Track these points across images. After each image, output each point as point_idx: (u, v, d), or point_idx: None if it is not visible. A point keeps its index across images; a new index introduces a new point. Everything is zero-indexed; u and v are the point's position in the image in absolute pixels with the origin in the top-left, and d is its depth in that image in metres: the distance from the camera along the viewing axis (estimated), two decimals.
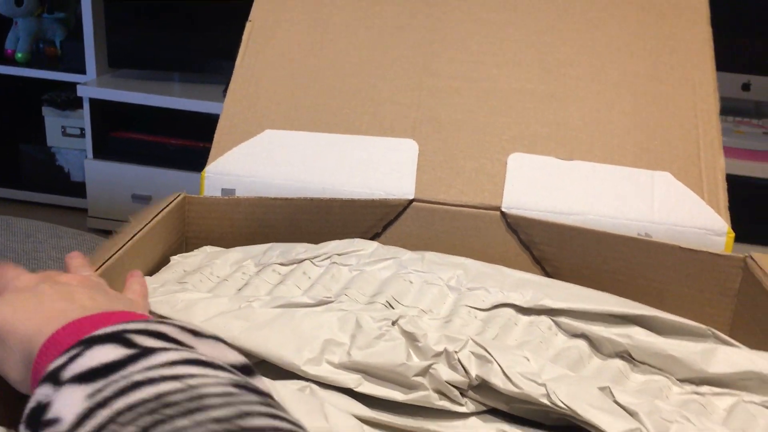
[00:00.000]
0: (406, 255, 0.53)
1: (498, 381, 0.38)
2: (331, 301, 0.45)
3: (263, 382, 0.29)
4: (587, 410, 0.36)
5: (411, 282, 0.49)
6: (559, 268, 0.60)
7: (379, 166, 0.61)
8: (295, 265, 0.52)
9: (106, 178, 1.76)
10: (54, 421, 0.24)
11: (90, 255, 0.46)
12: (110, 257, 0.46)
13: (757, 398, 0.40)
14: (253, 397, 0.24)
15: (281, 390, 0.40)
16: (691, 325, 0.44)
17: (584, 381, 0.38)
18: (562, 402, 0.37)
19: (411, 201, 0.60)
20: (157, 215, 0.53)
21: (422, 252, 0.54)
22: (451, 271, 0.50)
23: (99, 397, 0.24)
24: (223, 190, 0.61)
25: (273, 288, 0.50)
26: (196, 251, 0.57)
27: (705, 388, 0.41)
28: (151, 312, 0.45)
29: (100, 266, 0.45)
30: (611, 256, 0.58)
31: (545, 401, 0.37)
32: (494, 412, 0.40)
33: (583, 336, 0.45)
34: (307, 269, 0.52)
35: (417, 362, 0.40)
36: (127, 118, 1.81)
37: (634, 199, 0.60)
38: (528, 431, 0.38)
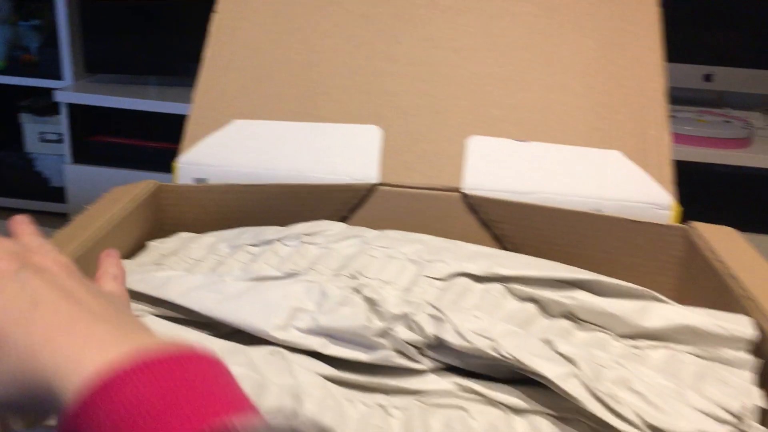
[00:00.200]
0: (371, 233, 0.56)
1: (451, 338, 0.42)
2: (299, 274, 0.49)
3: None
4: (530, 359, 0.39)
5: (374, 257, 0.52)
6: (518, 245, 0.63)
7: (344, 152, 0.64)
8: (265, 245, 0.56)
9: (86, 182, 1.78)
10: None
11: (67, 246, 0.48)
12: (86, 243, 0.49)
13: (688, 348, 0.44)
14: None
15: (253, 354, 0.43)
16: (630, 288, 0.47)
17: (529, 335, 0.42)
18: (508, 353, 0.40)
19: (375, 185, 0.64)
20: (130, 202, 0.55)
21: (386, 230, 0.57)
22: (411, 246, 0.53)
23: None
24: (195, 179, 0.64)
25: (245, 266, 0.53)
26: (171, 237, 0.59)
27: (642, 342, 0.45)
28: (128, 291, 0.48)
29: (75, 253, 0.48)
30: (565, 230, 0.61)
31: (494, 353, 0.40)
32: (450, 369, 0.43)
33: (532, 300, 0.48)
34: (277, 249, 0.55)
35: (377, 324, 0.43)
36: (106, 123, 1.83)
37: (586, 178, 0.64)
38: (481, 383, 0.42)
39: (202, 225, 0.62)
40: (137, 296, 0.48)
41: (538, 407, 0.40)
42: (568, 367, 0.39)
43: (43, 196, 1.90)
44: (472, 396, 0.41)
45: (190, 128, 0.65)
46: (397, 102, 0.67)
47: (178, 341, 0.27)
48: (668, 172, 0.64)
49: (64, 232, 0.49)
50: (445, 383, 0.42)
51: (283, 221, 0.60)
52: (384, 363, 0.43)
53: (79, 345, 0.26)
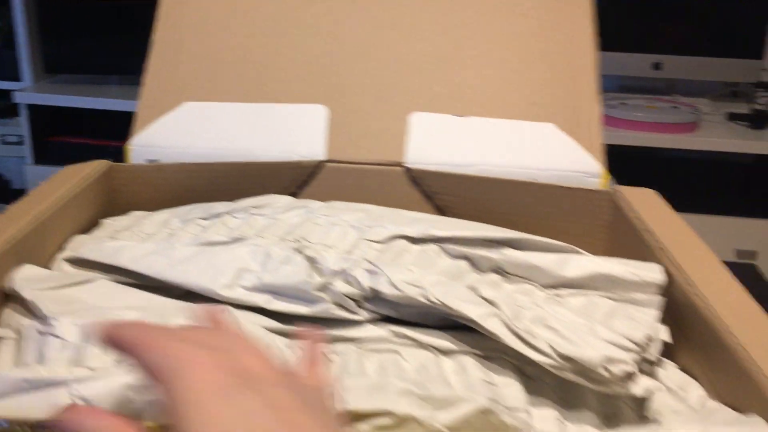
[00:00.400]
0: (316, 204, 0.59)
1: (385, 289, 0.45)
2: (245, 238, 0.51)
3: None
4: (456, 303, 0.43)
5: (318, 224, 0.55)
6: (459, 215, 0.66)
7: (292, 131, 0.67)
8: (215, 218, 0.58)
9: None
10: None
11: (19, 220, 0.49)
12: (39, 216, 0.51)
13: (604, 294, 0.48)
14: None
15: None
16: (553, 243, 0.51)
17: (457, 284, 0.45)
18: (436, 299, 0.43)
19: (322, 161, 0.67)
20: (82, 180, 0.58)
21: (331, 201, 0.60)
22: (354, 214, 0.57)
23: None
24: (147, 161, 0.66)
25: (195, 238, 0.55)
26: (125, 215, 0.62)
27: (563, 291, 0.49)
28: (80, 259, 0.51)
29: (27, 228, 0.50)
30: (503, 199, 0.65)
31: (423, 300, 0.44)
32: (387, 320, 0.47)
33: (464, 257, 0.52)
34: (226, 221, 0.58)
35: (317, 280, 0.46)
36: (66, 123, 1.83)
37: (522, 149, 0.68)
38: (413, 330, 0.45)
39: (155, 204, 0.64)
40: (90, 264, 0.50)
41: (465, 348, 0.43)
42: (490, 309, 0.42)
43: (5, 198, 1.89)
44: (405, 341, 0.44)
45: (140, 111, 0.68)
46: (342, 82, 0.70)
47: None
48: (598, 143, 0.68)
49: (17, 206, 0.51)
50: (381, 331, 0.45)
51: (234, 199, 0.63)
52: (324, 315, 0.46)
53: None
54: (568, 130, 0.69)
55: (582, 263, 0.49)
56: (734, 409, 0.39)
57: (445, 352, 0.44)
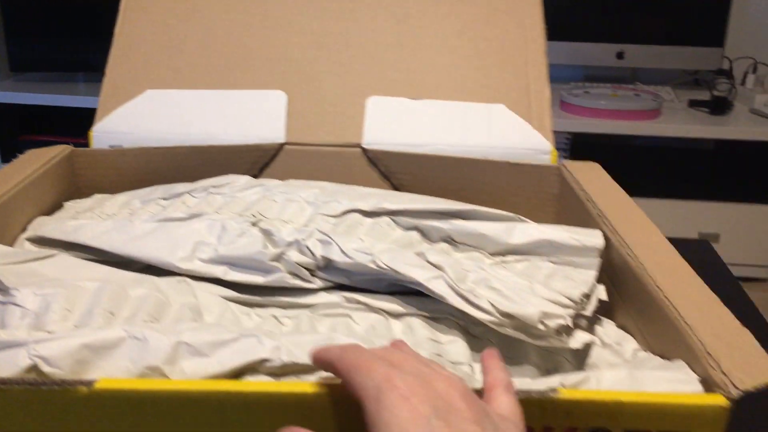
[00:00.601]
0: (273, 182, 0.61)
1: (337, 257, 0.47)
2: (203, 214, 0.53)
3: None
4: (404, 267, 0.45)
5: (275, 201, 0.57)
6: (415, 193, 0.69)
7: (253, 116, 0.69)
8: (175, 198, 0.60)
9: None
10: None
11: None
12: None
13: (547, 258, 0.50)
14: None
15: (161, 284, 0.47)
16: (500, 213, 0.54)
17: (405, 251, 0.47)
18: (385, 264, 0.45)
19: (282, 144, 0.68)
20: (44, 164, 0.59)
21: (288, 180, 0.62)
22: (309, 191, 0.59)
23: None
24: (110, 146, 0.68)
25: (154, 216, 0.57)
26: (87, 198, 0.63)
27: (509, 257, 0.51)
28: (42, 238, 0.52)
29: None
30: (456, 176, 0.67)
31: (373, 266, 0.46)
32: (340, 288, 0.49)
33: (415, 228, 0.54)
34: (185, 200, 0.59)
35: (272, 251, 0.48)
36: (34, 121, 1.82)
37: (474, 129, 0.70)
38: (365, 295, 0.47)
39: (117, 188, 0.66)
40: (51, 243, 0.51)
41: (414, 310, 0.46)
42: (436, 272, 0.45)
43: None
44: (356, 305, 0.46)
45: (103, 99, 0.69)
46: (301, 68, 0.72)
47: None
48: (547, 122, 0.71)
49: None
50: (334, 297, 0.47)
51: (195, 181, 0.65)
52: (279, 284, 0.48)
53: None
54: (518, 111, 0.71)
55: (527, 231, 0.51)
56: (664, 358, 0.42)
57: (394, 315, 0.46)
